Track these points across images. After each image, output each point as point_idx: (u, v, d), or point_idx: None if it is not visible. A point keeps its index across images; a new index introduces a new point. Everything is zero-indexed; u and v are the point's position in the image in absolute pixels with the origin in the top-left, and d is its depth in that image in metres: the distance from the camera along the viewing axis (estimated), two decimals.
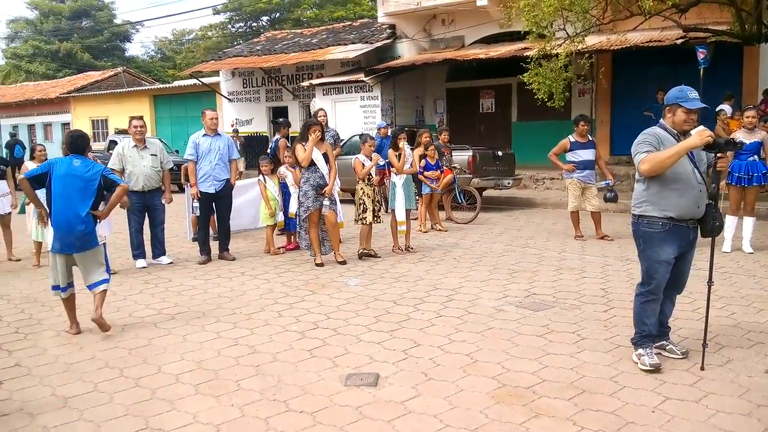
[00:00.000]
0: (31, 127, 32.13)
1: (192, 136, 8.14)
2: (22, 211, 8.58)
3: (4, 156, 17.70)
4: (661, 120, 4.25)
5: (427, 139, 10.10)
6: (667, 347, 4.43)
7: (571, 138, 9.11)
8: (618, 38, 12.59)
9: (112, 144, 18.54)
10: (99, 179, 5.30)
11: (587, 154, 9.02)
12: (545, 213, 12.45)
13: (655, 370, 4.11)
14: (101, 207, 5.44)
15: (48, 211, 5.31)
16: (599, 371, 4.22)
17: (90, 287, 5.31)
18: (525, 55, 12.58)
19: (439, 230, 10.14)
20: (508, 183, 12.77)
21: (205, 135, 8.03)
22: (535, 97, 12.09)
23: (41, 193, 5.42)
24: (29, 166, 8.57)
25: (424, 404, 3.79)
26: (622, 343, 4.65)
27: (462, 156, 12.04)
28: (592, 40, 13.23)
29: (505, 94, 18.29)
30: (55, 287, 5.32)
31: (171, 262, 8.04)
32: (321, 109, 9.78)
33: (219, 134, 8.17)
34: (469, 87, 18.75)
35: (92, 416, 3.73)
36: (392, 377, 4.20)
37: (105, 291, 5.35)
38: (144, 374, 4.37)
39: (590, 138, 9.26)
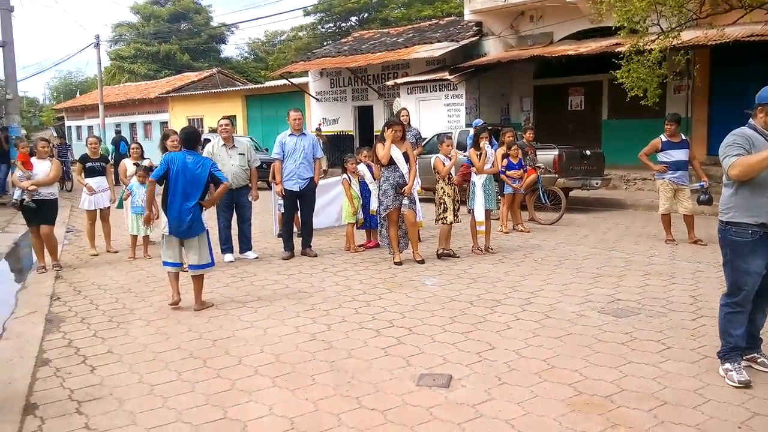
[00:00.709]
0: (132, 126, 33.97)
1: (279, 135, 8.39)
2: (120, 206, 9.08)
3: (110, 152, 18.82)
4: (751, 120, 3.99)
5: (510, 138, 9.95)
6: (759, 360, 4.18)
7: (663, 137, 8.74)
8: (716, 33, 11.94)
9: (207, 142, 19.29)
10: (207, 175, 6.01)
11: (680, 155, 8.63)
12: (635, 215, 11.99)
13: (745, 386, 3.89)
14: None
15: (155, 213, 6.38)
16: (683, 383, 4.04)
17: (191, 267, 6.04)
18: (616, 51, 12.16)
19: (521, 231, 9.97)
20: (596, 183, 12.39)
21: (290, 134, 8.25)
22: (627, 94, 11.66)
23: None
24: (126, 163, 9.11)
25: (496, 409, 3.75)
26: (710, 354, 4.42)
27: (547, 155, 11.78)
28: (688, 35, 12.60)
29: (595, 92, 17.73)
30: (166, 263, 6.11)
31: (257, 257, 8.30)
32: (404, 109, 9.81)
33: (304, 134, 8.37)
34: (558, 84, 18.30)
35: (175, 404, 3.91)
36: (465, 379, 4.18)
37: (202, 277, 6.09)
38: (225, 365, 4.54)
39: (683, 137, 8.84)
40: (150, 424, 3.65)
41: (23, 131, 18.05)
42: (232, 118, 8.72)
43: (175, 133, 8.29)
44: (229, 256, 8.18)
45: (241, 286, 6.89)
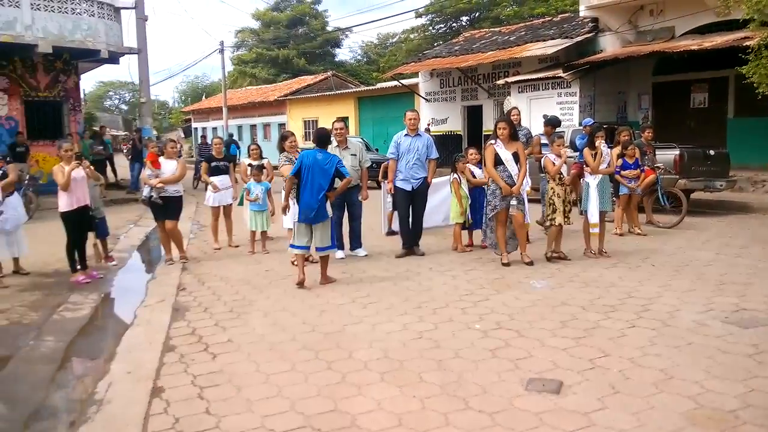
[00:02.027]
0: (252, 127, 35.57)
1: (395, 135, 8.54)
2: (241, 203, 9.53)
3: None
4: None
5: (626, 137, 9.57)
6: None
7: None
8: None
9: None
10: (334, 170, 6.82)
11: None
12: (763, 219, 11.17)
13: None
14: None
15: (289, 205, 7.24)
16: None
17: (318, 249, 6.92)
18: (744, 45, 11.38)
19: (638, 234, 9.55)
20: (721, 185, 11.65)
21: (406, 135, 8.38)
22: (756, 90, 10.88)
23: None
24: (245, 161, 9.56)
25: (609, 418, 3.64)
26: None
27: (667, 155, 11.20)
28: None
29: (720, 88, 16.68)
30: (292, 245, 7.02)
31: (366, 255, 8.48)
32: (514, 108, 9.67)
33: (419, 134, 8.46)
34: (679, 81, 17.37)
35: (289, 393, 4.09)
36: (576, 386, 4.08)
37: (328, 257, 7.01)
38: (336, 358, 4.69)
39: None
40: (265, 412, 3.83)
41: (154, 132, 19.35)
42: (344, 120, 8.98)
43: (293, 134, 8.63)
44: (339, 253, 8.40)
45: (350, 282, 7.07)
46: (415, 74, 24.24)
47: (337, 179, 7.01)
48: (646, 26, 17.28)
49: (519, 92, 18.52)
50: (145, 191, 8.33)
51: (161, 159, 8.31)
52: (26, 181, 13.80)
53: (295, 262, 7.83)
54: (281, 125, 32.13)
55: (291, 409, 3.87)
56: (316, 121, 29.84)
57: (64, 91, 17.96)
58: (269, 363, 4.64)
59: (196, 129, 41.70)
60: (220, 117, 34.31)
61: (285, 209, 7.42)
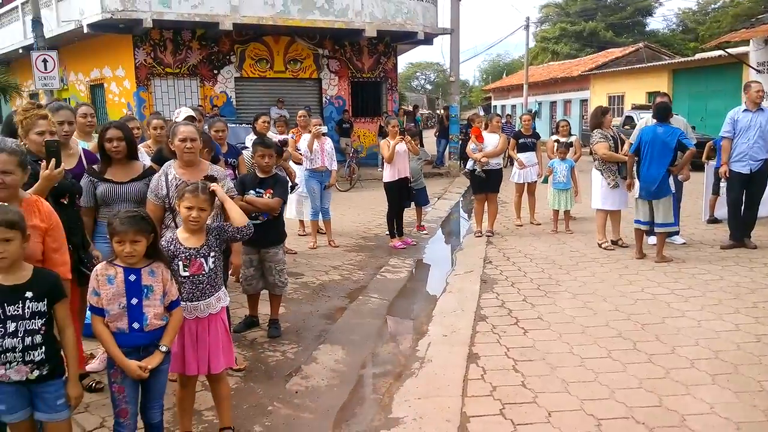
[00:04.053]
0: (552, 104, 34.93)
1: (730, 112, 7.60)
2: (545, 181, 9.38)
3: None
4: None
5: None
6: None
7: None
8: None
9: (628, 119, 18.79)
10: (675, 142, 6.65)
11: None
12: None
13: None
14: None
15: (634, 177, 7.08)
16: None
17: (656, 226, 6.82)
18: None
19: None
20: None
21: (745, 110, 7.40)
22: None
23: None
24: (552, 138, 9.40)
25: None
26: None
27: None
28: None
29: None
30: (637, 221, 7.01)
31: (684, 243, 7.74)
32: None
33: (762, 109, 7.39)
34: None
35: (607, 381, 3.90)
36: None
37: (663, 234, 6.90)
38: (657, 352, 4.35)
39: None
40: (583, 395, 3.71)
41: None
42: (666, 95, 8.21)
43: (610, 110, 8.20)
44: (678, 239, 7.81)
45: (668, 271, 6.48)
46: (743, 43, 21.28)
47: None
48: None
49: None
50: (469, 164, 8.67)
51: (484, 133, 8.55)
52: (350, 155, 15.45)
53: (604, 245, 7.54)
54: (583, 101, 30.97)
55: (610, 397, 3.69)
56: (622, 96, 28.10)
57: (383, 72, 19.53)
58: (582, 346, 4.49)
59: (495, 107, 42.30)
60: (519, 94, 34.35)
61: (630, 186, 7.23)
